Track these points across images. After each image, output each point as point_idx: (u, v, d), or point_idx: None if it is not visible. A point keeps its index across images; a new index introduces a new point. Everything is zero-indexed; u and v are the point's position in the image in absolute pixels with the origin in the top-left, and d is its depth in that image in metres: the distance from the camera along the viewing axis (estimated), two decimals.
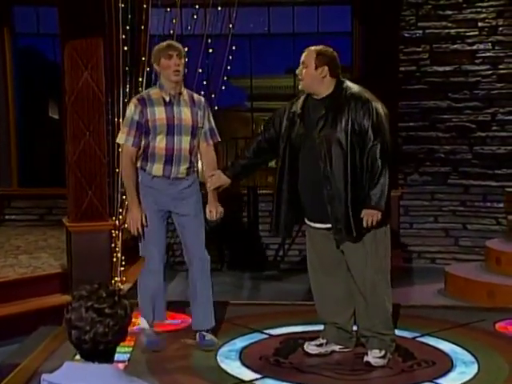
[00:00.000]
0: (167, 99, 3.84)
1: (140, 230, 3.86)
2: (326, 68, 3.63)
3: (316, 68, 3.63)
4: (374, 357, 3.75)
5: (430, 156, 7.34)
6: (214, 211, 4.04)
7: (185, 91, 3.92)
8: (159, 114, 3.83)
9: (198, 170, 4.06)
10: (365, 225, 3.56)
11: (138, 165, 3.91)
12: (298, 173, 3.70)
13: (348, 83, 3.71)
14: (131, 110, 3.87)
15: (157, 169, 3.88)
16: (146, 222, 3.87)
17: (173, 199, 3.92)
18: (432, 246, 7.35)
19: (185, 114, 3.85)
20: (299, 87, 3.73)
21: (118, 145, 5.14)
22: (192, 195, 3.96)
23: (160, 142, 3.84)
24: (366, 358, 3.77)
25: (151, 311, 4.01)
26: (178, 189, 3.90)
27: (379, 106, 3.63)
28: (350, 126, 3.56)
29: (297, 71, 3.70)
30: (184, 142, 3.85)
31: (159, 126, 3.82)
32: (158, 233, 3.92)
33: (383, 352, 3.77)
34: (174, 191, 3.90)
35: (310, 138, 3.65)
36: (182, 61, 3.84)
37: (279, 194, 3.75)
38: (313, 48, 3.68)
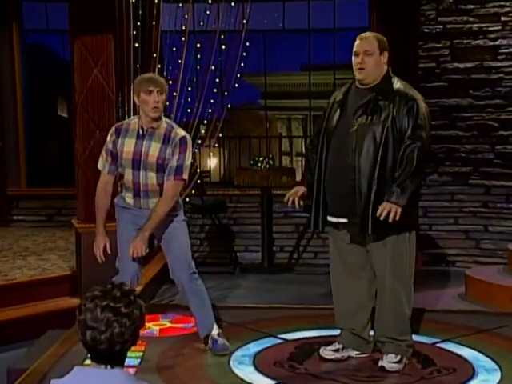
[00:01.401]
0: (140, 132, 3.87)
1: (102, 257, 3.93)
2: (387, 53, 3.72)
3: (381, 53, 3.69)
4: (389, 361, 3.75)
5: (450, 155, 7.29)
6: (132, 249, 3.85)
7: (163, 125, 3.88)
8: (128, 146, 3.88)
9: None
10: (378, 214, 3.51)
11: (119, 189, 4.03)
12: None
13: (396, 77, 3.76)
14: (108, 137, 3.97)
15: (128, 198, 3.98)
16: (111, 250, 3.94)
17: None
18: (452, 248, 7.31)
19: (153, 149, 3.84)
20: (359, 77, 3.70)
21: None
22: (168, 218, 3.94)
23: (127, 175, 3.92)
24: (380, 363, 3.77)
25: None
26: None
27: (424, 106, 3.68)
28: (389, 120, 3.57)
29: (358, 61, 3.66)
30: (150, 178, 3.87)
31: (125, 160, 3.89)
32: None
33: (399, 357, 3.76)
34: (145, 219, 3.90)
35: (346, 125, 3.65)
36: (163, 97, 3.82)
37: (318, 187, 3.74)
38: (370, 35, 3.74)
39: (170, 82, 6.14)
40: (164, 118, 3.94)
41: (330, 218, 3.78)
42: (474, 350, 4.07)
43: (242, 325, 4.49)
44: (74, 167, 5.54)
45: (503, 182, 7.11)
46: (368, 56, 3.66)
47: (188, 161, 3.86)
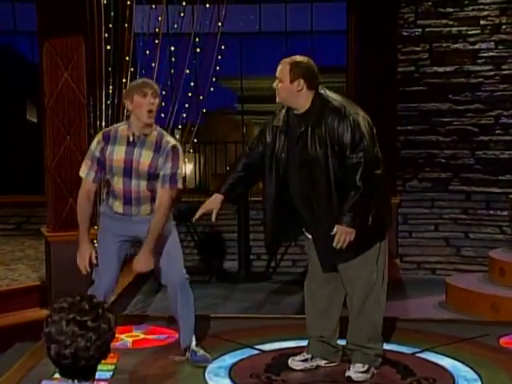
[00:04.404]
0: (131, 139, 3.85)
1: (88, 268, 3.88)
2: (302, 81, 3.59)
3: (291, 82, 3.59)
4: (355, 371, 3.77)
5: (429, 161, 7.36)
6: (137, 265, 3.86)
7: (155, 133, 3.86)
8: (118, 154, 3.85)
9: None
10: (335, 244, 3.54)
11: (104, 196, 4.01)
12: (288, 187, 3.71)
13: (327, 95, 3.65)
14: (94, 144, 3.92)
15: (117, 206, 3.94)
16: (97, 260, 3.89)
17: (136, 229, 3.93)
18: (432, 255, 7.37)
19: (144, 157, 3.82)
20: (277, 100, 3.70)
21: None
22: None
23: (117, 183, 3.88)
24: (347, 373, 3.79)
25: None
26: (140, 224, 3.91)
27: (360, 120, 3.57)
28: (328, 143, 3.53)
29: (273, 85, 3.67)
30: (142, 185, 3.85)
31: (115, 168, 3.86)
32: (111, 261, 3.94)
33: (366, 366, 3.79)
34: (136, 226, 3.92)
35: (292, 153, 3.66)
36: (157, 101, 3.81)
37: (269, 211, 3.77)
38: (287, 60, 3.64)
39: None
40: (155, 125, 3.91)
41: (306, 233, 3.85)
42: (455, 359, 4.09)
43: (217, 335, 4.48)
44: (43, 174, 5.50)
45: (483, 187, 7.19)
46: (279, 82, 3.64)
47: (180, 170, 3.87)
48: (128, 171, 3.83)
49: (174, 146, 3.85)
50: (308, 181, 3.61)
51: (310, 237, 3.83)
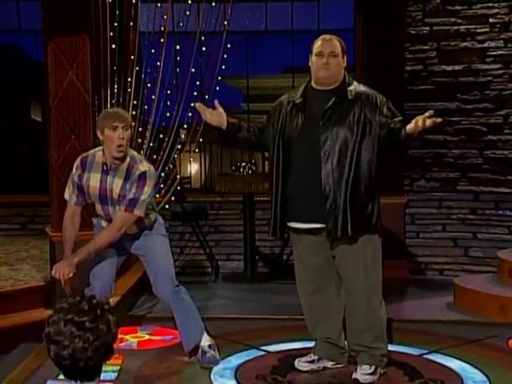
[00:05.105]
0: (105, 167, 3.88)
1: (62, 282, 3.85)
2: (345, 57, 3.80)
3: (343, 56, 3.77)
4: (362, 373, 3.77)
5: (437, 161, 7.35)
6: (55, 270, 3.81)
7: (128, 160, 3.86)
8: (93, 181, 3.90)
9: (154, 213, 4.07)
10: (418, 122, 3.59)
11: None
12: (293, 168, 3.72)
13: (355, 80, 3.85)
14: (74, 169, 3.98)
15: (105, 225, 4.02)
16: (73, 277, 3.84)
17: (127, 245, 4.04)
18: (440, 256, 7.35)
19: (115, 185, 3.86)
20: (323, 75, 3.72)
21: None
22: (148, 236, 4.03)
23: (98, 208, 3.98)
24: (354, 375, 3.79)
25: None
26: (129, 241, 4.02)
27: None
28: (361, 122, 3.63)
29: (323, 61, 3.69)
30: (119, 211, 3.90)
31: (92, 195, 3.92)
32: (106, 263, 4.00)
33: (373, 368, 3.78)
34: (125, 243, 4.01)
35: (311, 130, 3.67)
36: (128, 133, 3.81)
37: (277, 194, 3.75)
38: (332, 36, 3.80)
39: (149, 85, 6.15)
40: (129, 153, 3.90)
41: (295, 225, 3.79)
42: (463, 361, 4.09)
43: (223, 336, 4.48)
44: (47, 173, 5.51)
45: (492, 187, 7.17)
46: (333, 57, 3.72)
47: (144, 196, 3.82)
48: (104, 198, 3.90)
49: (141, 173, 3.83)
50: (327, 157, 3.62)
51: (302, 226, 3.76)
